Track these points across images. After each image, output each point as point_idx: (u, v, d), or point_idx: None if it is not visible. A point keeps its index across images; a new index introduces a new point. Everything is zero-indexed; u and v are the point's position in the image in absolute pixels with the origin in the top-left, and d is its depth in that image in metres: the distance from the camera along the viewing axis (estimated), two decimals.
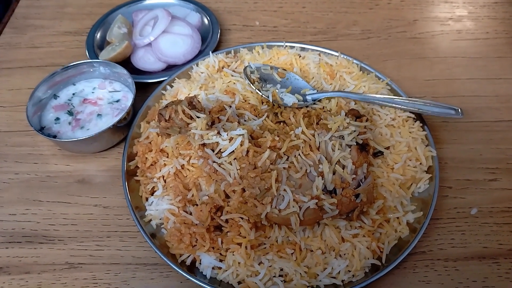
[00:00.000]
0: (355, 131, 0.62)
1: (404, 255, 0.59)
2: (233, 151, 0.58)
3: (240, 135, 0.59)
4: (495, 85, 0.86)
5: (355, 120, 0.64)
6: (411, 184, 0.66)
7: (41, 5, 1.05)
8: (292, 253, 0.59)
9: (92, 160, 0.75)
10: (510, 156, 0.74)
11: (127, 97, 0.78)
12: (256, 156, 0.58)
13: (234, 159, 0.58)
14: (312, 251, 0.60)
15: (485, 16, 1.00)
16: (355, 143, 0.61)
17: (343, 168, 0.59)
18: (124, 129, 0.74)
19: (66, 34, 0.98)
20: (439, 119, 0.78)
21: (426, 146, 0.69)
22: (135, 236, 0.65)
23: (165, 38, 0.87)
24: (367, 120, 0.64)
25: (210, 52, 0.82)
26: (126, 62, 0.87)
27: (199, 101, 0.64)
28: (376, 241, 0.60)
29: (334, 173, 0.59)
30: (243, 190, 0.58)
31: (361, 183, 0.59)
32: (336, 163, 0.59)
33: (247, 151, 0.58)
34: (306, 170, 0.58)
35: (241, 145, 0.58)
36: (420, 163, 0.68)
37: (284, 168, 0.58)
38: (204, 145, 0.60)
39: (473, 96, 0.84)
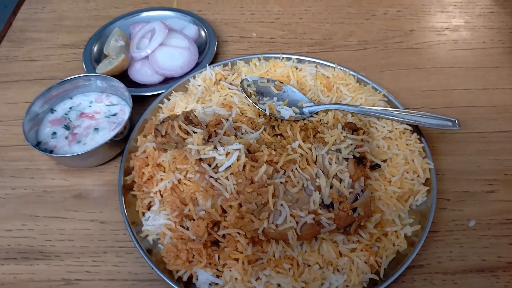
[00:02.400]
0: (352, 144, 0.62)
1: (402, 270, 0.59)
2: (230, 166, 0.58)
3: (236, 149, 0.59)
4: (492, 95, 0.86)
5: (352, 133, 0.64)
6: (409, 196, 0.66)
7: (39, 18, 1.06)
8: (289, 268, 0.59)
9: (89, 174, 0.74)
10: (508, 167, 0.74)
11: (124, 111, 0.78)
12: (253, 171, 0.58)
13: (230, 174, 0.58)
14: (309, 266, 0.60)
15: (482, 25, 1.00)
16: (352, 157, 0.61)
17: (340, 182, 0.59)
18: (121, 143, 0.74)
19: (63, 47, 0.98)
20: (436, 131, 0.78)
21: (424, 158, 0.69)
22: (131, 252, 0.65)
23: (162, 51, 0.87)
24: (364, 133, 0.64)
25: (207, 65, 0.82)
26: (123, 75, 0.87)
27: (195, 116, 0.64)
28: (374, 256, 0.60)
29: (331, 187, 0.59)
30: (240, 205, 0.58)
31: (358, 197, 0.59)
32: (333, 177, 0.59)
33: (244, 166, 0.58)
34: (303, 184, 0.58)
35: (237, 160, 0.58)
36: (418, 176, 0.67)
37: (281, 182, 0.58)
38: (200, 160, 0.60)
39: (470, 106, 0.84)
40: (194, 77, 0.81)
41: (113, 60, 0.85)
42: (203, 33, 0.95)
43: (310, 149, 0.61)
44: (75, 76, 0.78)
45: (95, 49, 0.92)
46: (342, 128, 0.64)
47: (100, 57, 0.91)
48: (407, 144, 0.70)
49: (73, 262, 0.65)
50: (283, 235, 0.56)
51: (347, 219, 0.57)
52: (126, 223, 0.63)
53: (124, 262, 0.64)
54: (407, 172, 0.67)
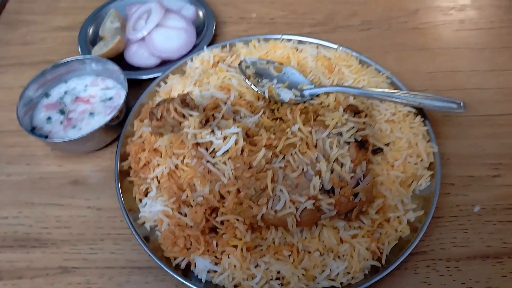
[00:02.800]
0: (353, 127, 0.60)
1: (404, 256, 0.57)
2: (228, 150, 0.57)
3: (234, 133, 0.57)
4: (500, 77, 0.83)
5: (354, 116, 0.62)
6: (412, 181, 0.65)
7: (34, 0, 1.03)
8: (289, 255, 0.58)
9: (85, 160, 0.73)
10: None
11: (120, 95, 0.76)
12: (251, 155, 0.56)
13: (228, 158, 0.56)
14: (309, 252, 0.59)
15: (489, 4, 0.97)
16: (353, 140, 0.59)
17: (341, 167, 0.57)
18: (117, 127, 0.72)
19: (59, 30, 0.96)
20: (441, 113, 0.76)
21: (428, 141, 0.67)
22: (129, 239, 0.64)
23: (158, 33, 0.85)
24: (366, 116, 0.62)
25: (205, 47, 0.80)
26: (119, 58, 0.85)
27: (192, 99, 0.62)
28: (375, 242, 0.59)
29: (332, 172, 0.57)
30: (238, 190, 0.56)
31: (360, 182, 0.57)
32: (334, 161, 0.57)
33: (242, 150, 0.56)
34: (303, 169, 0.56)
35: (235, 144, 0.57)
36: (421, 160, 0.65)
37: (280, 167, 0.56)
38: (197, 144, 0.59)
39: (476, 89, 0.81)
40: (192, 60, 0.79)
41: (109, 42, 0.83)
42: (201, 14, 0.92)
43: (311, 133, 0.59)
44: (69, 59, 0.76)
45: (91, 31, 0.90)
46: (344, 111, 0.62)
47: (96, 40, 0.89)
48: (410, 127, 0.67)
49: (70, 249, 0.64)
50: (283, 221, 0.55)
51: (348, 204, 0.56)
52: (122, 210, 0.62)
53: (122, 250, 0.63)
54: (410, 156, 0.65)
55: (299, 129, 0.59)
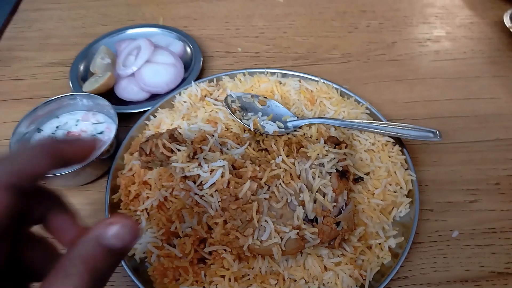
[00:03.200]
0: (334, 158, 0.63)
1: (386, 282, 0.59)
2: (214, 183, 0.59)
3: (220, 166, 0.59)
4: (474, 105, 0.87)
5: (335, 147, 0.65)
6: (392, 208, 0.67)
7: (26, 37, 1.06)
8: (275, 284, 0.60)
9: (76, 193, 0.75)
10: (490, 176, 0.76)
11: (111, 129, 0.79)
12: (237, 187, 0.58)
13: (215, 191, 0.59)
14: (295, 281, 0.60)
15: (462, 36, 1.02)
16: (335, 170, 0.62)
17: (323, 196, 0.60)
18: (107, 161, 0.74)
19: (50, 66, 0.99)
20: (419, 142, 0.79)
21: (406, 170, 0.70)
22: (119, 271, 0.65)
23: (148, 68, 0.88)
24: (346, 147, 0.65)
25: (192, 82, 0.83)
26: (110, 93, 0.88)
27: (180, 133, 0.64)
28: (358, 269, 0.61)
29: (315, 202, 0.59)
30: (225, 222, 0.58)
31: (342, 210, 0.60)
32: (316, 191, 0.60)
33: (228, 183, 0.59)
34: (287, 199, 0.59)
35: (222, 176, 0.59)
36: (400, 188, 0.68)
37: (265, 198, 0.59)
38: (185, 177, 0.61)
39: (452, 117, 0.85)
40: (180, 94, 0.82)
41: (99, 78, 0.86)
42: (188, 49, 0.96)
43: (294, 164, 0.62)
44: (60, 95, 0.79)
45: (82, 67, 0.93)
46: (325, 142, 0.65)
47: (87, 75, 0.92)
48: (389, 156, 0.71)
49: None
50: (268, 250, 0.57)
51: (331, 233, 0.58)
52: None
53: (112, 281, 0.65)
54: (390, 184, 0.68)
55: (283, 161, 0.62)
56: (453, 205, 0.72)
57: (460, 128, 0.83)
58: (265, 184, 0.60)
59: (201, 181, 0.59)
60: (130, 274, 0.61)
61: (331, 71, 0.95)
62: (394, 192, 0.67)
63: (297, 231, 0.57)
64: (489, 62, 0.96)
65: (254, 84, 0.81)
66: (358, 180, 0.67)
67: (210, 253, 0.61)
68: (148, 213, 0.66)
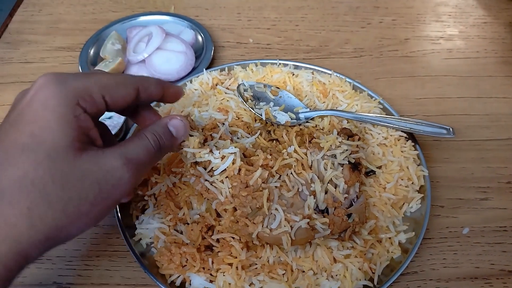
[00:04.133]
0: (347, 150, 0.62)
1: (395, 276, 0.59)
2: (225, 169, 0.58)
3: (232, 153, 0.58)
4: (486, 104, 0.86)
5: (347, 139, 0.64)
6: (403, 203, 0.66)
7: (35, 20, 1.06)
8: (283, 274, 0.59)
9: None
10: (501, 175, 0.75)
11: (119, 115, 0.78)
12: (248, 175, 0.57)
13: (226, 177, 0.57)
14: (303, 271, 0.60)
15: (475, 35, 1.02)
16: (347, 162, 0.61)
17: (335, 187, 0.59)
18: None
19: (60, 50, 0.98)
20: (431, 138, 0.78)
21: (418, 165, 0.70)
22: (124, 256, 0.64)
23: (158, 55, 0.87)
24: (359, 139, 0.65)
25: (204, 69, 0.82)
26: None
27: (192, 120, 0.63)
28: (368, 262, 0.60)
29: (326, 192, 0.59)
30: (235, 209, 0.57)
31: (353, 203, 0.59)
32: (328, 182, 0.59)
33: (239, 170, 0.58)
34: (298, 189, 0.58)
35: (233, 163, 0.57)
36: (412, 183, 0.68)
37: (276, 187, 0.58)
38: (196, 163, 0.60)
39: (464, 115, 0.84)
40: (191, 81, 0.81)
41: (110, 63, 0.85)
42: (200, 38, 0.95)
43: (306, 154, 0.61)
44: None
45: (92, 52, 0.92)
46: (338, 134, 0.64)
47: (96, 60, 0.91)
48: (401, 151, 0.70)
49: (65, 265, 0.64)
50: (277, 239, 0.56)
51: (341, 224, 0.57)
52: (119, 226, 0.63)
53: (117, 266, 0.64)
54: (402, 179, 0.67)
55: (295, 151, 0.61)
56: (464, 202, 0.71)
57: (472, 126, 0.82)
58: (276, 173, 0.59)
59: (212, 167, 0.58)
60: (136, 259, 0.60)
61: (343, 65, 0.94)
62: (406, 187, 0.66)
63: (308, 220, 0.56)
64: (501, 62, 0.95)
65: (266, 75, 0.81)
66: (370, 173, 0.66)
67: (217, 240, 0.60)
68: (156, 198, 0.66)
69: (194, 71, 0.88)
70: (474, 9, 1.09)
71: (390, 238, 0.63)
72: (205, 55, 0.91)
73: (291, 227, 0.56)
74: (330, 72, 0.81)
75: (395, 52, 0.97)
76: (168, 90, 0.53)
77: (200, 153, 0.59)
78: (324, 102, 0.76)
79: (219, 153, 0.58)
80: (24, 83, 0.91)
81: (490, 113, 0.85)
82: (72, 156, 0.40)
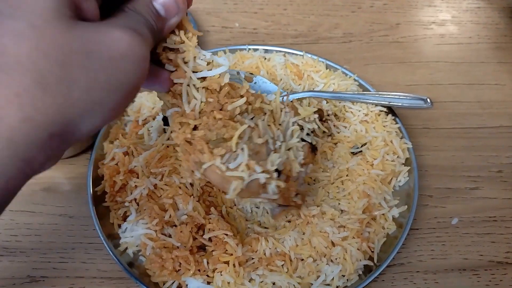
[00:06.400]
0: (313, 130, 0.60)
1: (395, 252, 0.58)
2: (206, 78, 0.45)
3: (222, 65, 0.46)
4: (478, 90, 0.84)
5: (320, 121, 0.61)
6: (391, 178, 0.66)
7: None
8: (282, 265, 0.57)
9: (59, 167, 0.71)
10: (492, 164, 0.73)
11: None
12: (229, 98, 0.47)
13: (203, 88, 0.45)
14: (302, 260, 0.58)
15: (468, 20, 0.99)
16: (309, 141, 0.58)
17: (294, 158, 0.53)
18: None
19: None
20: (420, 126, 0.77)
21: (401, 138, 0.69)
22: (100, 248, 0.62)
23: None
24: (327, 126, 0.63)
25: None
26: None
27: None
28: (366, 241, 0.59)
29: (286, 158, 0.52)
30: (195, 127, 0.46)
31: (300, 184, 0.55)
32: (290, 149, 0.53)
33: (220, 88, 0.46)
34: (267, 140, 0.49)
35: (218, 76, 0.46)
36: (398, 156, 0.67)
37: (249, 126, 0.48)
38: (172, 51, 0.44)
39: (455, 102, 0.82)
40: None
41: None
42: None
43: (281, 110, 0.54)
44: None
45: None
46: (315, 113, 0.61)
47: None
48: (384, 126, 0.69)
49: (39, 258, 0.62)
50: (226, 181, 0.46)
51: (288, 198, 0.52)
52: (101, 237, 0.59)
53: (93, 259, 0.61)
54: (387, 154, 0.66)
55: (275, 100, 0.53)
56: (453, 191, 0.69)
57: (462, 114, 0.80)
58: (252, 112, 0.50)
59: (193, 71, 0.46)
60: (124, 270, 0.56)
61: (332, 50, 0.91)
62: (392, 161, 0.66)
63: (267, 176, 0.47)
64: (494, 48, 0.93)
65: (237, 61, 0.77)
66: (357, 152, 0.66)
67: (210, 239, 0.57)
68: (137, 203, 0.61)
69: None
70: None
71: (383, 214, 0.62)
72: None
73: (249, 176, 0.46)
74: (301, 53, 0.79)
75: (386, 38, 0.94)
76: None
77: (188, 37, 0.44)
78: (300, 84, 0.74)
79: (210, 56, 0.46)
80: None
81: (482, 100, 0.82)
82: (65, 24, 0.29)
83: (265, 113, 0.52)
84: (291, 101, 0.58)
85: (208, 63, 0.45)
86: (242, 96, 0.48)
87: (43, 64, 0.28)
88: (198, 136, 0.45)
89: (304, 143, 0.56)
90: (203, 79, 0.45)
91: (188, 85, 0.44)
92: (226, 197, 0.50)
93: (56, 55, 0.28)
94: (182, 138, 0.45)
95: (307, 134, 0.58)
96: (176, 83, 0.44)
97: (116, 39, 0.31)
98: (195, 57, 0.44)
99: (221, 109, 0.46)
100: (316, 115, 0.60)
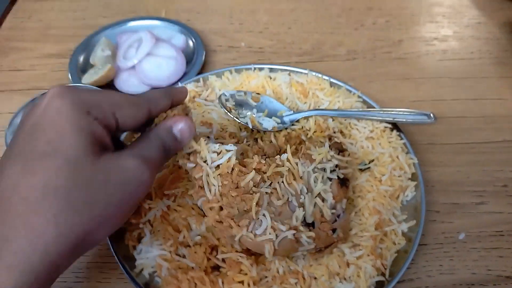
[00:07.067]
0: (337, 165, 0.61)
1: (405, 266, 0.58)
2: (219, 166, 0.55)
3: (229, 150, 0.55)
4: (481, 105, 0.86)
5: (338, 154, 0.63)
6: (399, 194, 0.67)
7: (25, 27, 1.04)
8: (296, 283, 0.58)
9: None
10: (497, 178, 0.74)
11: None
12: (241, 175, 0.54)
13: (218, 174, 0.54)
14: (315, 278, 0.59)
15: (470, 36, 1.01)
16: (336, 177, 0.59)
17: (323, 202, 0.57)
18: None
19: (49, 57, 0.97)
20: (425, 142, 0.78)
21: (407, 153, 0.70)
22: (115, 268, 0.63)
23: (149, 61, 0.86)
24: (349, 155, 0.64)
25: (179, 83, 0.80)
26: (110, 85, 0.86)
27: (191, 118, 0.59)
28: (380, 258, 0.60)
29: (314, 206, 0.57)
30: (221, 208, 0.54)
31: (336, 219, 0.58)
32: (317, 196, 0.57)
33: (232, 169, 0.55)
34: (288, 198, 0.56)
35: (227, 161, 0.55)
36: (404, 172, 0.68)
37: (266, 193, 0.55)
38: (189, 154, 0.55)
39: (459, 117, 0.84)
40: None
41: (99, 70, 0.84)
42: (191, 43, 0.94)
43: (297, 164, 0.59)
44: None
45: (81, 59, 0.91)
46: (329, 148, 0.62)
47: (86, 67, 0.90)
48: (389, 142, 0.71)
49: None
50: (260, 246, 0.54)
51: (326, 239, 0.56)
52: (116, 259, 0.60)
53: (108, 278, 0.63)
54: (394, 170, 0.67)
55: (288, 159, 0.59)
56: (459, 206, 0.70)
57: (467, 129, 0.81)
58: (268, 179, 0.56)
59: (206, 161, 0.55)
60: None
61: (337, 68, 0.93)
62: (399, 176, 0.67)
63: (294, 232, 0.54)
64: (496, 63, 0.94)
65: (243, 81, 0.79)
66: (365, 169, 0.67)
67: (223, 260, 0.58)
68: (151, 225, 0.63)
69: (185, 76, 0.87)
70: (468, 9, 1.08)
71: (393, 229, 0.63)
72: (197, 60, 0.90)
73: (276, 236, 0.53)
74: (306, 71, 0.80)
75: (389, 54, 0.96)
76: (176, 97, 0.53)
77: (198, 142, 0.54)
78: (305, 103, 0.75)
79: (218, 147, 0.55)
80: (14, 91, 0.90)
81: (485, 115, 0.84)
82: (91, 160, 0.39)
83: (283, 175, 0.57)
84: (302, 148, 0.62)
85: (219, 153, 0.55)
86: (254, 169, 0.56)
87: (74, 192, 0.38)
88: (224, 215, 0.54)
89: (330, 181, 0.59)
90: (218, 167, 0.55)
91: (208, 175, 0.54)
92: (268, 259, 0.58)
93: (84, 185, 0.38)
94: (213, 220, 0.54)
95: (332, 171, 0.59)
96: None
97: (126, 169, 0.42)
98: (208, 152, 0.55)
99: (237, 187, 0.54)
100: (332, 152, 0.61)
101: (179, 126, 0.50)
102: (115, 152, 0.44)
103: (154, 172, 0.46)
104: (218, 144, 0.56)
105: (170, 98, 0.51)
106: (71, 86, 0.43)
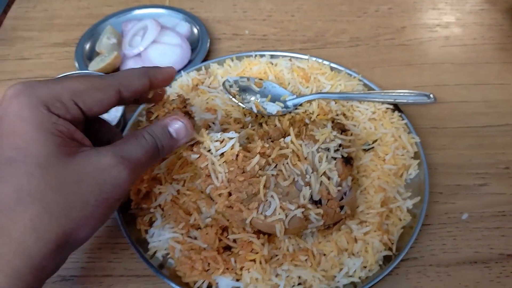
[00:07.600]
0: (340, 145, 0.62)
1: (411, 241, 0.61)
2: (223, 153, 0.57)
3: (232, 138, 0.57)
4: (484, 90, 0.87)
5: (341, 133, 0.64)
6: (402, 172, 0.69)
7: (30, 17, 1.05)
8: (306, 260, 0.60)
9: None
10: (499, 161, 0.75)
11: (117, 108, 0.78)
12: (246, 161, 0.56)
13: (223, 162, 0.57)
14: (325, 254, 0.61)
15: (472, 22, 1.01)
16: (340, 156, 0.61)
17: (328, 180, 0.59)
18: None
19: (55, 46, 0.98)
20: (428, 125, 0.79)
21: (408, 133, 0.72)
22: (126, 248, 0.65)
23: (154, 48, 0.87)
24: (351, 134, 0.65)
25: (182, 71, 0.81)
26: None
27: (191, 110, 0.61)
28: (386, 234, 0.62)
29: (320, 184, 0.58)
30: (229, 194, 0.56)
31: (343, 196, 0.59)
32: (322, 174, 0.59)
33: (237, 155, 0.57)
34: (294, 178, 0.57)
35: (231, 148, 0.57)
36: (407, 151, 0.70)
37: (272, 175, 0.57)
38: (192, 145, 0.57)
39: (462, 102, 0.85)
40: (170, 86, 0.79)
41: (105, 57, 0.85)
42: (195, 31, 0.95)
43: (301, 146, 0.60)
44: (67, 73, 0.78)
45: (87, 47, 0.92)
46: (332, 128, 0.64)
47: (92, 55, 0.91)
48: (391, 122, 0.73)
49: (68, 259, 0.64)
50: (271, 227, 0.55)
51: (334, 216, 0.57)
52: (130, 243, 0.61)
53: (119, 258, 0.64)
54: (397, 149, 0.69)
55: (291, 141, 0.60)
56: (462, 188, 0.72)
57: (469, 113, 0.82)
58: (273, 161, 0.58)
59: (209, 151, 0.57)
60: (155, 272, 0.59)
61: (340, 54, 0.94)
62: (402, 155, 0.69)
63: (303, 210, 0.56)
64: (499, 49, 0.95)
65: (245, 68, 0.80)
66: (369, 149, 0.69)
67: (234, 241, 0.60)
68: (162, 209, 0.64)
69: (190, 63, 0.88)
70: None
71: (399, 206, 0.65)
72: (201, 48, 0.91)
73: (286, 216, 0.55)
74: (306, 57, 0.82)
75: (392, 41, 0.97)
76: (156, 78, 0.50)
77: (200, 133, 0.57)
78: (307, 87, 0.76)
79: (220, 136, 0.57)
80: (21, 80, 0.90)
81: (488, 99, 0.85)
82: (62, 161, 0.39)
83: (287, 157, 0.59)
84: (306, 131, 0.64)
85: (222, 141, 0.57)
86: (259, 153, 0.58)
87: (48, 195, 0.38)
88: (233, 200, 0.56)
89: (335, 160, 0.60)
90: (222, 155, 0.56)
91: (213, 164, 0.56)
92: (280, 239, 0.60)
93: (58, 187, 0.38)
94: (223, 206, 0.56)
95: (336, 151, 0.60)
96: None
97: (102, 168, 0.41)
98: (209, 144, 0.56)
99: (243, 172, 0.56)
100: (334, 132, 0.62)
101: (176, 125, 0.50)
102: (94, 148, 0.43)
103: (134, 172, 0.44)
104: (219, 133, 0.58)
105: (147, 78, 0.49)
106: (26, 83, 0.41)
